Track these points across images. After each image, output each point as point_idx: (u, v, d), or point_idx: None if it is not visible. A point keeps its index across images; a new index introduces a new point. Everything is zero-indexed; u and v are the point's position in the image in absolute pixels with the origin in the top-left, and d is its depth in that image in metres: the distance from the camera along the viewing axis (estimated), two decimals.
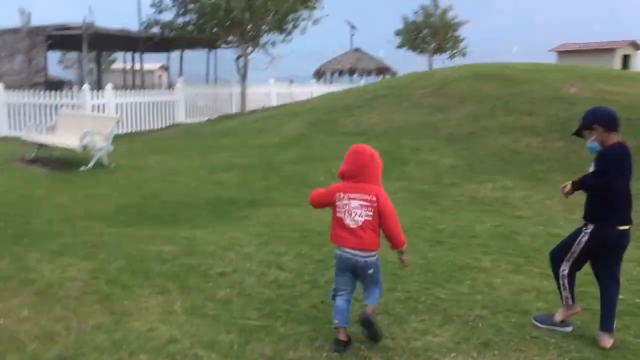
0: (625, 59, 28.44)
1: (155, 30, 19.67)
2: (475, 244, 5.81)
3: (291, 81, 25.50)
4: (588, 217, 3.83)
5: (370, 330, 3.58)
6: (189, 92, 19.59)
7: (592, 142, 3.81)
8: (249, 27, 19.57)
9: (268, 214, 6.97)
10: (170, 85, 23.87)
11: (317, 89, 25.28)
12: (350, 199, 3.68)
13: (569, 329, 3.86)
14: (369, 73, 31.75)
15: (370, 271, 3.64)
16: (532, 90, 13.07)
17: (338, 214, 3.71)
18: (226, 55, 25.92)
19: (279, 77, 24.12)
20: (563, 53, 29.31)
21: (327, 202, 3.84)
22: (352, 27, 34.51)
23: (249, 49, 20.14)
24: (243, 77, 20.24)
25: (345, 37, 34.24)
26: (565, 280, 3.86)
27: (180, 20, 19.44)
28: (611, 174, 3.60)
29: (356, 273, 3.67)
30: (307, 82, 26.29)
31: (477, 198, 7.99)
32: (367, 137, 11.54)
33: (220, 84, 22.63)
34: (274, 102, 23.15)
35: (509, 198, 7.91)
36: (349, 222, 3.65)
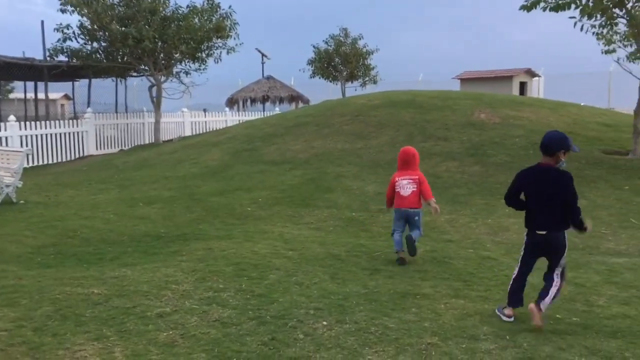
0: (522, 86, 30.36)
1: (62, 58, 18.81)
2: (412, 270, 5.88)
3: (205, 110, 25.17)
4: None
5: (411, 246, 6.02)
6: (99, 122, 18.86)
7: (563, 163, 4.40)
8: (161, 55, 19.18)
9: (199, 248, 6.74)
10: (76, 115, 22.87)
11: (232, 118, 25.09)
12: (402, 179, 6.23)
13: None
14: (281, 101, 31.92)
15: (416, 218, 6.18)
16: (445, 116, 13.63)
17: (396, 189, 6.25)
18: (136, 83, 25.29)
19: (193, 105, 23.76)
20: (465, 80, 30.86)
21: (393, 187, 6.30)
22: (264, 56, 34.68)
23: (162, 78, 19.71)
24: (156, 106, 19.73)
25: (258, 66, 34.28)
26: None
27: (88, 48, 18.72)
28: None
29: (407, 220, 6.20)
30: (221, 111, 26.01)
31: None
32: (291, 165, 11.55)
33: (132, 114, 21.94)
34: (187, 132, 22.73)
35: (436, 222, 8.11)
36: (402, 192, 6.20)
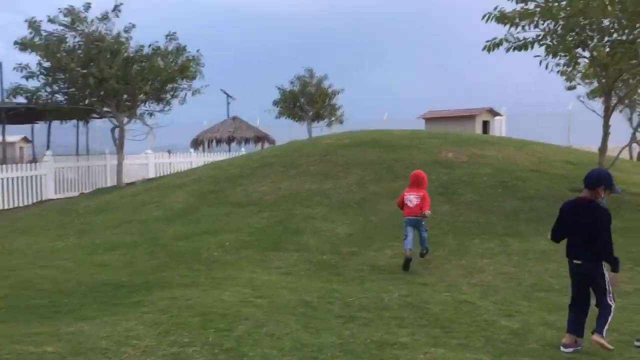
0: (485, 125, 30.87)
1: (20, 99, 18.29)
2: (388, 316, 5.64)
3: (169, 151, 24.77)
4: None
5: (422, 254, 7.97)
6: (58, 165, 18.28)
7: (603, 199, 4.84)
8: (124, 96, 18.83)
9: (163, 298, 6.37)
10: (35, 158, 22.21)
11: (197, 159, 24.72)
12: (410, 195, 8.04)
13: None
14: (247, 141, 31.73)
15: (423, 223, 7.95)
16: (412, 155, 13.60)
17: (405, 202, 8.02)
18: (98, 125, 24.79)
19: (158, 147, 23.36)
20: (430, 120, 31.21)
21: (402, 200, 8.12)
22: (229, 96, 34.60)
23: (125, 119, 19.32)
24: (119, 148, 19.29)
25: (223, 107, 34.13)
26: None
27: (48, 89, 18.26)
28: None
29: (414, 225, 7.88)
30: (186, 152, 25.64)
31: (379, 266, 7.92)
32: (258, 207, 11.27)
33: (93, 156, 21.41)
34: (151, 173, 22.25)
35: (410, 264, 7.90)
36: (409, 204, 7.96)
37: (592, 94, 20.05)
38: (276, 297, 6.39)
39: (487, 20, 10.18)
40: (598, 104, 17.75)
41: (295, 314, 5.76)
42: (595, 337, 4.56)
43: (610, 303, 4.64)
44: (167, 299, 6.31)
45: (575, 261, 4.75)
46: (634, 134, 17.13)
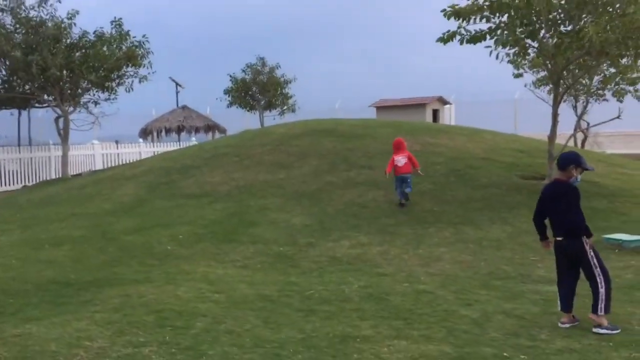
0: (435, 113, 31.25)
1: None
2: (349, 309, 5.58)
3: (117, 141, 24.06)
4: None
5: (406, 196, 9.98)
6: None
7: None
8: (67, 85, 18.11)
9: (115, 295, 6.12)
10: None
11: (146, 149, 24.12)
12: (398, 157, 10.12)
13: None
14: (197, 130, 31.14)
15: (408, 180, 9.96)
16: (367, 144, 13.59)
17: (395, 163, 10.05)
18: (40, 114, 23.83)
19: (105, 137, 22.64)
20: (381, 109, 31.37)
21: (393, 162, 10.09)
22: (178, 85, 33.85)
23: (70, 109, 18.60)
24: (63, 138, 18.57)
25: (172, 96, 33.36)
26: None
27: None
28: None
29: (403, 180, 9.92)
30: (135, 142, 24.95)
31: (337, 257, 7.85)
32: (212, 199, 11.04)
33: (36, 147, 20.56)
34: (99, 165, 21.58)
35: (367, 255, 7.88)
36: (399, 164, 10.01)
37: (538, 82, 20.55)
38: (233, 291, 6.24)
39: (447, 17, 10.32)
40: (544, 93, 18.21)
41: (254, 308, 5.63)
42: (590, 316, 4.92)
43: (599, 278, 4.89)
44: (120, 296, 6.07)
45: (557, 238, 5.12)
46: (578, 121, 17.62)
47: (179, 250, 8.39)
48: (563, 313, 5.08)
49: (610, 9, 9.87)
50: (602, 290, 4.88)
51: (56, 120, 18.79)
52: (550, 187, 5.36)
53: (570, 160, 5.18)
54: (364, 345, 4.59)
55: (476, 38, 10.39)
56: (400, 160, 10.11)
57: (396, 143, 10.50)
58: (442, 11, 10.39)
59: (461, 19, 10.40)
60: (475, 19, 10.48)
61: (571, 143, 19.57)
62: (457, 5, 10.39)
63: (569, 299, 5.07)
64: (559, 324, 5.00)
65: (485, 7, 10.20)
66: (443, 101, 32.02)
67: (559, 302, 5.15)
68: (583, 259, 4.99)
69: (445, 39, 10.58)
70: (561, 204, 5.10)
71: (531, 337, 4.74)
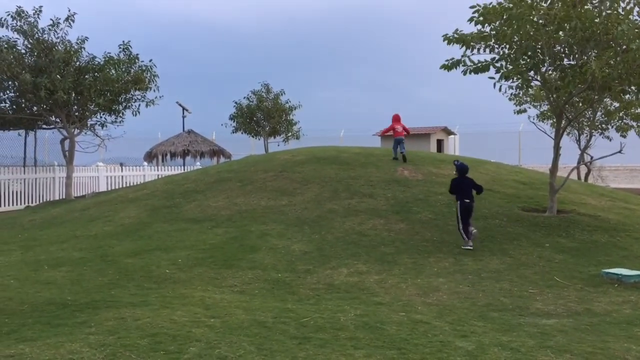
0: (439, 143, 31.37)
1: None
2: (343, 337, 5.54)
3: (122, 164, 24.20)
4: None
5: (404, 157, 14.67)
6: (3, 177, 17.63)
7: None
8: (75, 107, 18.32)
9: (111, 318, 6.11)
10: None
11: (150, 172, 24.25)
12: (397, 125, 15.25)
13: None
14: (202, 155, 31.31)
15: (403, 142, 14.93)
16: (369, 173, 13.65)
17: (395, 129, 15.16)
18: (47, 135, 24.04)
19: (110, 159, 22.77)
20: (386, 138, 31.51)
21: (392, 128, 15.33)
22: (185, 109, 34.14)
23: (76, 131, 18.78)
24: (69, 160, 18.71)
25: (178, 120, 33.63)
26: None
27: None
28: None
29: (399, 142, 14.87)
30: (139, 165, 25.10)
31: (334, 285, 7.82)
32: (213, 223, 11.06)
33: (41, 168, 20.71)
34: (103, 187, 21.69)
35: (364, 283, 7.85)
36: (398, 130, 15.10)
37: (542, 116, 20.66)
38: (229, 317, 6.22)
39: (449, 43, 10.40)
40: (547, 126, 18.28)
41: (249, 334, 5.60)
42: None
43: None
44: (115, 319, 6.06)
45: (466, 200, 9.56)
46: (581, 155, 17.66)
47: (178, 274, 8.38)
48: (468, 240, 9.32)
49: (614, 44, 9.98)
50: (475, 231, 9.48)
51: (62, 141, 18.96)
52: (460, 179, 9.90)
53: (465, 169, 10.00)
54: None
55: (480, 69, 10.50)
56: (398, 128, 14.96)
57: (395, 117, 15.35)
58: (443, 36, 10.48)
59: (465, 47, 10.50)
60: (479, 48, 10.60)
61: (574, 176, 19.60)
62: (461, 31, 10.48)
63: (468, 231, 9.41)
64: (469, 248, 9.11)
65: (491, 35, 10.29)
66: (448, 131, 32.16)
67: (465, 236, 9.36)
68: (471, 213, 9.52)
69: (449, 66, 10.67)
70: (469, 185, 9.74)
71: None
